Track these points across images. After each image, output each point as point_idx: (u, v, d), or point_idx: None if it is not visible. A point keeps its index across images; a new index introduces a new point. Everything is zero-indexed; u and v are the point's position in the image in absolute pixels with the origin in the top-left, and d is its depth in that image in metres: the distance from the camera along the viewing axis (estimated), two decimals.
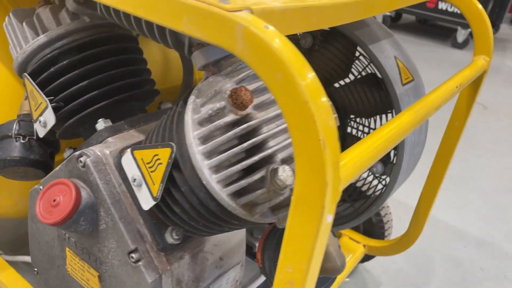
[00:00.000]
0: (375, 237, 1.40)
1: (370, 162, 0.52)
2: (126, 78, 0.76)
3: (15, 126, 0.85)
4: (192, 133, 0.54)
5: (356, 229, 1.43)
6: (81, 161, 0.66)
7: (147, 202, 0.59)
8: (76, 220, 0.66)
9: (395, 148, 1.05)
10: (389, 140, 0.56)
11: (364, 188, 1.15)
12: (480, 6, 1.00)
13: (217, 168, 0.53)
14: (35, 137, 0.85)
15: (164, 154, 0.56)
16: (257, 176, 0.53)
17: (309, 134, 0.43)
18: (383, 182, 1.09)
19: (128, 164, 0.60)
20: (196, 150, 0.53)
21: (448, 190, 2.09)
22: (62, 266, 0.81)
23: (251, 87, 0.55)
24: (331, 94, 1.11)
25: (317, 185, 0.44)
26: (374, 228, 1.40)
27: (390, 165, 1.06)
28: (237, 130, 0.52)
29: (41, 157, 0.86)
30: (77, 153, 0.67)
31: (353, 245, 1.37)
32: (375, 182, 1.13)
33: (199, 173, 0.53)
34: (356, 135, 1.16)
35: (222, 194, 0.53)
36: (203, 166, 0.53)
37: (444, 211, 1.93)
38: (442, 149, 1.14)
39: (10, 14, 0.77)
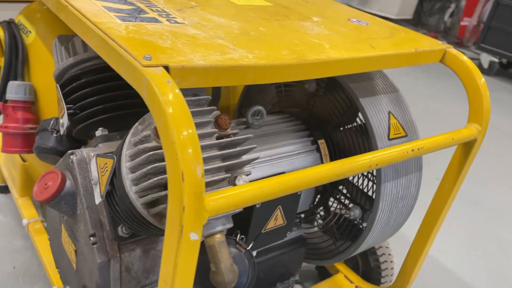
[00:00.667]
0: (371, 281, 1.43)
1: (245, 203, 0.63)
2: (128, 99, 0.95)
3: (52, 122, 1.08)
4: (125, 151, 0.70)
5: (355, 269, 1.47)
6: (70, 158, 0.86)
7: (97, 198, 0.76)
8: (58, 202, 0.85)
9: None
10: (271, 190, 0.66)
11: (346, 230, 1.21)
12: (481, 79, 1.03)
13: (136, 182, 0.68)
14: (66, 133, 1.07)
15: (109, 164, 0.73)
16: (163, 193, 0.67)
17: (174, 168, 0.56)
18: (361, 228, 1.15)
19: (93, 166, 0.78)
20: (124, 165, 0.69)
21: (492, 253, 1.98)
22: (59, 238, 1.01)
23: None
24: (329, 134, 1.19)
25: (176, 207, 0.57)
26: (371, 272, 1.43)
27: (368, 212, 1.12)
28: (146, 155, 0.67)
29: (68, 149, 1.09)
30: (70, 151, 0.87)
31: (346, 283, 1.42)
32: (357, 225, 1.18)
33: (124, 183, 0.69)
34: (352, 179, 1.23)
35: (137, 202, 0.68)
36: (127, 178, 0.69)
37: (475, 274, 1.84)
38: (432, 209, 1.16)
39: (56, 39, 1.01)
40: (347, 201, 1.19)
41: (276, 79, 0.77)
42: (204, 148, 0.71)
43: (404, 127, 1.12)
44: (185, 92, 0.74)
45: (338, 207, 1.22)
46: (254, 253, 1.08)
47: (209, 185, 0.70)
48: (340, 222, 1.21)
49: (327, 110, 1.19)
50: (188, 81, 0.66)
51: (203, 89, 0.78)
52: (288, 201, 1.03)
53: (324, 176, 0.74)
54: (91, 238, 0.83)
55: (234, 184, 0.71)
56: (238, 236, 0.81)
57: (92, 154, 0.87)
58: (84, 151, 0.87)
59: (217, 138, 0.75)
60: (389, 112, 1.11)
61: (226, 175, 0.72)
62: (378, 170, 1.06)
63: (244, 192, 0.64)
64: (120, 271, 0.86)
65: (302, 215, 1.34)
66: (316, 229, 1.30)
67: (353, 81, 1.10)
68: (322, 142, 1.17)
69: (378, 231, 1.14)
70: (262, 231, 1.02)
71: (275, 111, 1.33)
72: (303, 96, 1.24)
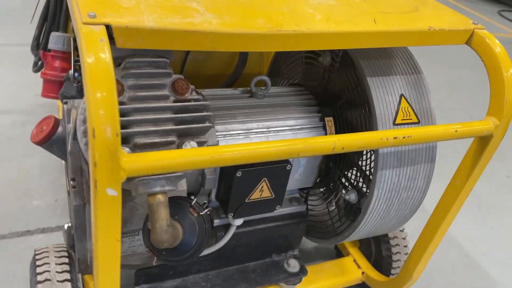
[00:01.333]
0: (382, 270, 1.37)
1: (169, 168, 0.64)
2: None
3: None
4: (82, 104, 0.74)
5: (368, 255, 1.42)
6: (64, 106, 0.93)
7: (68, 146, 0.82)
8: (50, 145, 0.93)
9: None
10: (201, 159, 0.65)
11: (343, 212, 1.16)
12: (510, 71, 0.90)
13: (85, 134, 0.72)
14: None
15: (75, 116, 0.78)
16: None
17: (88, 124, 0.59)
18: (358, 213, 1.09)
19: (72, 117, 0.84)
20: (78, 118, 0.73)
21: None
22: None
23: (138, 82, 0.72)
24: (338, 108, 1.13)
25: (91, 163, 0.60)
26: (382, 261, 1.37)
27: (363, 198, 1.06)
28: None
29: None
30: (64, 100, 0.94)
31: (353, 268, 1.37)
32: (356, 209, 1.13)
33: (77, 134, 0.73)
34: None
35: (85, 154, 0.72)
36: (79, 130, 0.73)
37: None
38: (440, 206, 1.07)
39: None
40: (347, 184, 1.14)
41: (241, 47, 0.75)
42: (154, 110, 0.73)
43: (417, 112, 1.03)
44: (146, 52, 0.75)
45: (339, 188, 1.17)
46: (241, 221, 1.09)
47: (155, 146, 0.72)
48: (339, 204, 1.16)
49: (339, 86, 1.13)
50: (135, 42, 0.66)
51: (169, 52, 0.78)
52: (275, 174, 1.01)
53: (272, 153, 0.72)
54: (71, 182, 0.90)
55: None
56: (195, 200, 0.82)
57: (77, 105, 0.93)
58: (76, 102, 0.93)
59: (175, 103, 0.75)
60: (402, 95, 1.02)
61: (175, 139, 0.73)
62: (376, 156, 0.99)
63: (168, 157, 0.64)
64: None
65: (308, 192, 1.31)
66: (318, 207, 1.26)
67: (364, 58, 1.02)
68: (329, 120, 1.12)
69: (376, 219, 1.08)
70: (246, 201, 1.02)
71: (295, 83, 1.29)
72: (320, 69, 1.19)
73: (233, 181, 0.97)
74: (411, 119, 1.02)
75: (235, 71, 1.36)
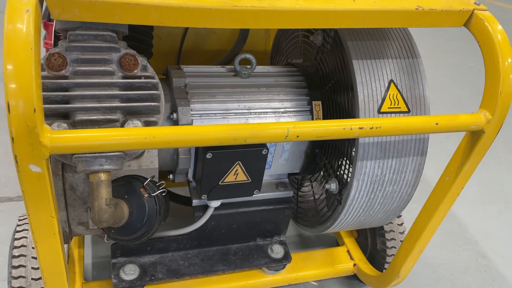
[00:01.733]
0: (375, 264, 1.30)
1: (96, 148, 0.61)
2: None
3: None
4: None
5: (364, 247, 1.35)
6: None
7: None
8: None
9: None
10: (134, 140, 0.62)
11: (327, 202, 1.10)
12: (508, 60, 0.79)
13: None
14: None
15: None
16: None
17: (5, 96, 0.57)
18: (337, 203, 1.03)
19: None
20: None
21: None
22: None
23: (82, 56, 0.69)
24: (327, 92, 1.06)
25: (10, 137, 0.59)
26: (376, 254, 1.30)
27: (344, 189, 1.00)
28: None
29: None
30: None
31: (345, 258, 1.32)
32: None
33: None
34: None
35: None
36: None
37: None
38: (428, 204, 0.99)
39: None
40: (331, 172, 1.07)
41: (192, 23, 0.70)
42: (97, 85, 0.70)
43: (407, 101, 0.94)
44: (96, 26, 0.72)
45: (324, 176, 1.11)
46: (218, 203, 1.06)
47: (96, 123, 0.70)
48: (323, 193, 1.10)
49: (329, 68, 1.05)
50: (71, 13, 0.64)
51: (124, 25, 0.75)
52: (250, 158, 0.97)
53: (213, 138, 0.67)
54: None
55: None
56: (148, 179, 0.80)
57: None
58: None
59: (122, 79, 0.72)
60: (391, 81, 0.94)
61: (119, 117, 0.70)
62: (356, 145, 0.92)
63: (95, 136, 0.62)
64: (64, 189, 0.92)
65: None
66: (306, 194, 1.21)
67: (354, 39, 0.94)
68: (317, 104, 1.06)
69: (358, 212, 1.02)
70: (220, 183, 0.99)
71: (289, 62, 1.23)
72: (313, 49, 1.12)
73: (204, 162, 0.94)
74: (399, 107, 0.94)
75: (234, 47, 1.31)
